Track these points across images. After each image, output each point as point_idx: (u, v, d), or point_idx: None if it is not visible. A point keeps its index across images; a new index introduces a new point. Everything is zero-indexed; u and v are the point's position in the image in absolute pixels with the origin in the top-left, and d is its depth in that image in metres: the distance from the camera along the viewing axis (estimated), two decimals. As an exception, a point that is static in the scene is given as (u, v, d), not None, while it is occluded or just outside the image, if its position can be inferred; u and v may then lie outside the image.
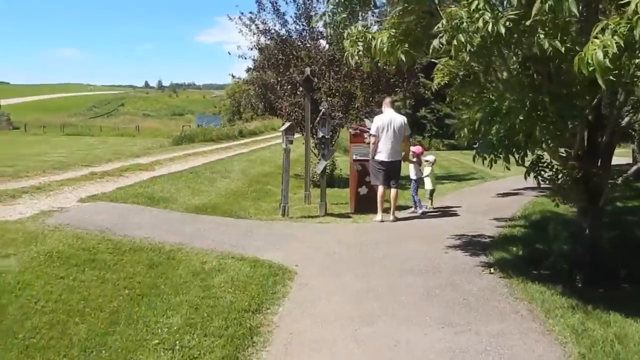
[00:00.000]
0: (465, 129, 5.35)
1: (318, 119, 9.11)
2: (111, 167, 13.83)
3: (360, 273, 5.72)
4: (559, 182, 5.64)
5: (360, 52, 5.51)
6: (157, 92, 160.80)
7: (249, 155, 20.27)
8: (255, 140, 30.29)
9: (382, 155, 8.49)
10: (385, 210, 8.76)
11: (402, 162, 8.75)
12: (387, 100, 8.73)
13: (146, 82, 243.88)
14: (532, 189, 12.30)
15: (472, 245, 6.91)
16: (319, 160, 9.55)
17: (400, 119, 8.55)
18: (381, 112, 9.71)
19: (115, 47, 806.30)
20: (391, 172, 8.61)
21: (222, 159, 17.73)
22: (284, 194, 8.84)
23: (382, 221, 8.55)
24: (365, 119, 10.05)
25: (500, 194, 11.67)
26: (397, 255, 6.40)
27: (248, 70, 13.60)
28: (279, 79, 13.16)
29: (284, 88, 13.00)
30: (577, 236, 5.65)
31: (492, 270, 5.70)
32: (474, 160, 5.49)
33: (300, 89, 12.14)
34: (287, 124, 8.85)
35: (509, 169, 5.48)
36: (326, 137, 9.18)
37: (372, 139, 8.58)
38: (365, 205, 9.41)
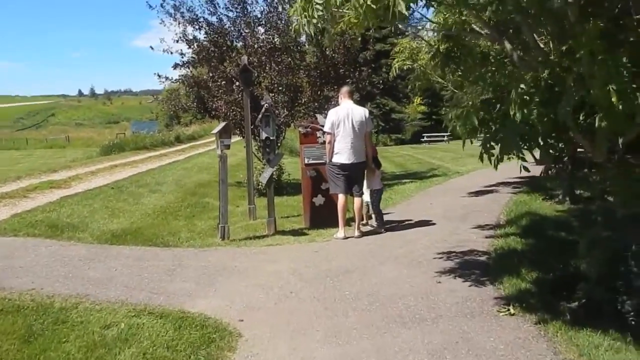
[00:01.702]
0: (473, 117, 3.77)
1: (260, 117, 7.40)
2: (17, 187, 11.61)
3: (331, 328, 4.06)
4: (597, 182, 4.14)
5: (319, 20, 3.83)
6: (90, 100, 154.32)
7: (184, 162, 18.22)
8: (193, 146, 28.06)
9: (341, 156, 6.89)
10: (347, 223, 7.19)
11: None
12: (345, 89, 7.11)
13: (79, 91, 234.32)
14: (505, 184, 11.04)
15: (467, 267, 5.38)
16: (264, 166, 7.85)
17: (360, 112, 6.96)
18: (334, 105, 8.15)
19: (47, 56, 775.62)
20: (353, 177, 7.02)
21: (154, 169, 15.66)
22: (222, 212, 7.08)
23: (345, 238, 6.96)
24: (317, 115, 8.43)
25: (472, 192, 10.29)
26: (375, 291, 4.78)
27: (175, 66, 11.69)
28: (212, 75, 11.33)
29: (219, 84, 11.18)
30: (627, 256, 4.17)
31: (511, 309, 4.16)
32: (481, 160, 3.91)
33: (237, 84, 10.37)
34: (222, 124, 7.09)
35: (528, 170, 3.97)
36: (271, 138, 7.48)
37: (328, 137, 6.96)
38: (322, 217, 7.79)
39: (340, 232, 7.02)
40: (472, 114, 3.92)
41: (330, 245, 6.67)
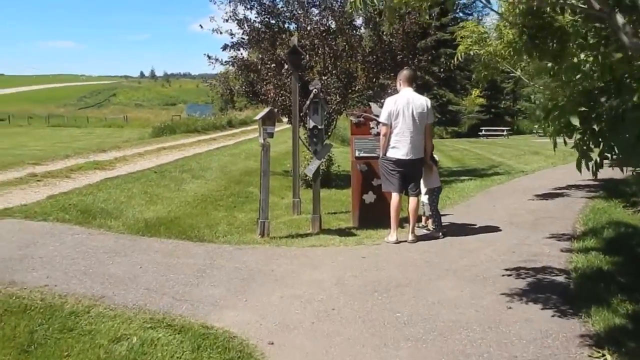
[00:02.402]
0: (571, 113, 2.95)
1: (308, 103, 6.70)
2: (63, 166, 11.40)
3: (377, 361, 3.35)
4: None
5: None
6: (150, 82, 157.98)
7: (233, 148, 17.77)
8: (244, 131, 27.70)
9: (398, 151, 6.11)
10: (400, 225, 6.44)
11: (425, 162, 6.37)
12: (405, 74, 6.30)
13: (141, 72, 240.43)
14: (576, 187, 9.97)
15: (542, 289, 4.53)
16: (311, 158, 7.17)
17: (421, 101, 6.15)
18: (390, 94, 7.37)
19: (111, 38, 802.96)
20: (410, 175, 6.24)
21: (200, 154, 15.27)
22: (263, 207, 6.44)
23: (397, 242, 6.20)
24: (371, 103, 7.66)
25: (540, 195, 9.29)
26: (433, 315, 4.02)
27: (225, 47, 11.12)
28: (262, 57, 10.71)
29: (269, 68, 10.54)
30: None
31: (607, 355, 3.31)
32: (579, 169, 3.08)
33: (287, 67, 9.70)
34: (266, 110, 6.42)
35: None
36: (319, 127, 6.77)
37: (383, 130, 6.19)
38: (372, 216, 7.07)
39: (393, 235, 6.27)
40: (570, 109, 3.09)
41: (380, 250, 5.93)
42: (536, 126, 3.41)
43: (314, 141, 6.85)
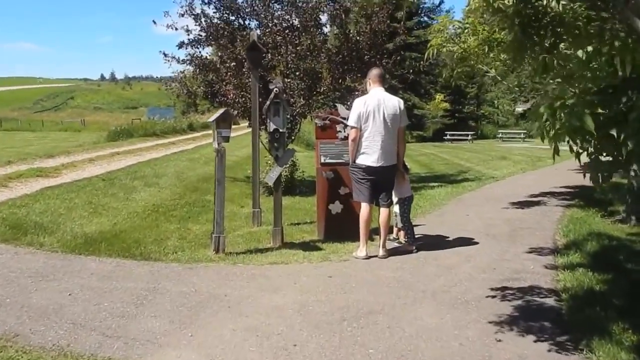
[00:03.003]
0: (584, 114, 2.39)
1: (268, 103, 6.04)
2: (1, 173, 10.44)
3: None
4: None
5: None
6: (110, 85, 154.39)
7: (192, 152, 16.94)
8: (206, 135, 26.77)
9: (368, 157, 5.53)
10: (370, 237, 5.87)
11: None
12: (375, 73, 5.71)
13: (102, 75, 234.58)
14: (551, 195, 9.58)
15: (532, 315, 3.99)
16: (273, 165, 6.52)
17: (393, 103, 5.58)
18: (357, 95, 6.85)
19: (73, 40, 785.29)
20: (381, 183, 5.66)
21: (157, 159, 14.42)
22: (217, 220, 5.74)
23: (367, 257, 5.61)
24: (338, 104, 7.05)
25: (515, 203, 8.86)
26: (412, 351, 3.42)
27: (180, 45, 10.37)
28: (221, 55, 10.00)
29: (228, 67, 9.85)
30: None
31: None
32: (593, 181, 2.53)
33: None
34: (220, 111, 5.73)
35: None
36: (281, 130, 6.13)
37: (352, 134, 5.58)
38: (339, 228, 6.45)
39: (362, 249, 5.67)
40: (581, 110, 2.53)
41: (348, 268, 5.31)
42: (536, 125, 2.90)
43: (275, 146, 6.19)
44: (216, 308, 4.16)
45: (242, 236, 6.63)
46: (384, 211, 5.71)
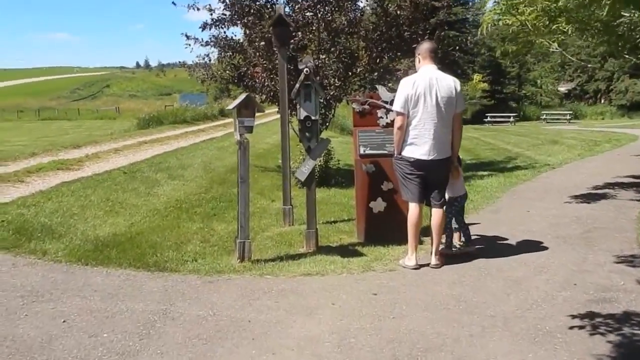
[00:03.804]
0: None
1: (298, 86, 5.18)
2: (22, 167, 9.92)
3: None
4: None
5: None
6: (144, 72, 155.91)
7: (221, 140, 16.25)
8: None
9: (417, 149, 4.64)
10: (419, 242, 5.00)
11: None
12: (425, 47, 4.78)
13: (137, 63, 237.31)
14: (619, 185, 8.49)
15: (642, 357, 3.09)
16: (303, 159, 5.69)
17: (448, 83, 4.66)
18: (396, 78, 5.92)
19: (107, 29, 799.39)
20: (433, 180, 4.78)
21: (184, 147, 13.77)
22: (242, 224, 4.95)
23: (417, 267, 4.76)
24: (379, 86, 6.15)
25: (579, 196, 7.83)
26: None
27: (204, 27, 9.57)
28: (249, 34, 9.18)
29: (256, 47, 9.03)
30: None
31: None
32: None
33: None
34: (241, 97, 4.91)
35: None
36: (313, 118, 5.27)
37: (398, 121, 4.70)
38: (382, 229, 5.61)
39: (411, 258, 4.81)
40: None
41: (396, 281, 4.46)
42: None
43: (306, 136, 5.34)
44: (237, 340, 3.38)
45: (272, 238, 5.84)
46: (436, 212, 4.82)
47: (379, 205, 5.71)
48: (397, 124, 4.67)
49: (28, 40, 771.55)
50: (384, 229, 5.60)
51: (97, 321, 3.61)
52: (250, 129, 4.87)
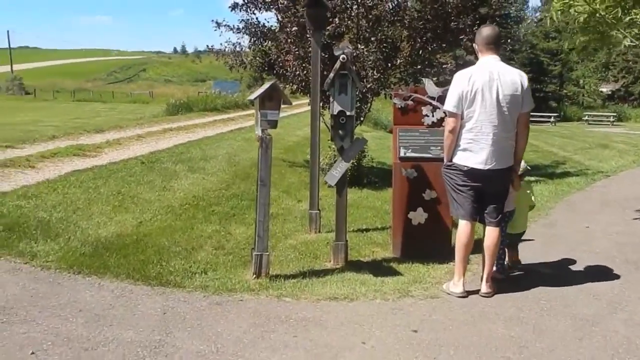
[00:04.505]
0: None
1: (332, 76, 4.42)
2: (38, 150, 9.43)
3: None
4: None
5: None
6: (180, 58, 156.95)
7: (249, 130, 15.53)
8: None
9: (473, 156, 3.85)
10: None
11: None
12: (486, 34, 3.93)
13: (174, 49, 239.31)
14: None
15: None
16: (335, 159, 4.95)
17: (513, 77, 3.84)
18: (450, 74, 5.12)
19: (148, 14, 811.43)
20: (489, 193, 3.98)
21: (210, 137, 13.16)
22: (259, 233, 4.24)
23: (464, 295, 3.99)
24: (425, 79, 5.34)
25: (647, 210, 6.92)
26: None
27: (233, 7, 8.88)
28: (282, 18, 8.46)
29: (288, 32, 8.30)
30: None
31: None
32: None
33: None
34: (265, 85, 4.18)
35: None
36: (348, 113, 4.51)
37: (451, 122, 3.91)
38: (422, 243, 4.86)
39: (457, 283, 4.04)
40: None
41: (440, 314, 3.70)
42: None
43: (339, 134, 4.58)
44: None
45: (295, 248, 5.13)
46: (492, 232, 4.03)
47: (419, 216, 4.95)
48: (449, 126, 3.88)
49: (69, 22, 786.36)
50: (424, 244, 4.84)
51: (73, 355, 2.95)
52: (274, 124, 4.14)
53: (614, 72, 46.30)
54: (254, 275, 4.25)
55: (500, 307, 3.85)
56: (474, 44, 4.04)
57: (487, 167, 3.82)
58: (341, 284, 4.20)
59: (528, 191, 4.65)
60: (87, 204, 6.07)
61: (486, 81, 3.78)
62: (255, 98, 4.06)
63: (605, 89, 46.56)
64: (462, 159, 3.87)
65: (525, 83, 3.86)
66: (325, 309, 3.76)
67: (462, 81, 3.84)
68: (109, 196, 6.48)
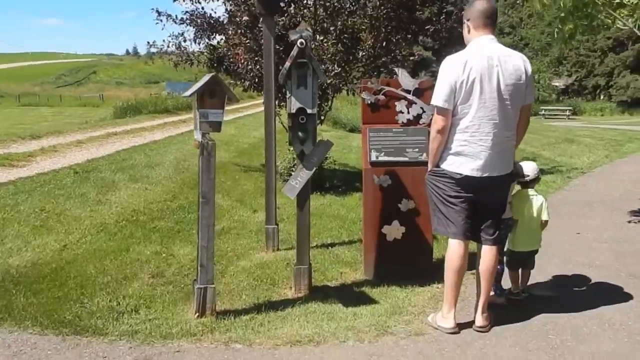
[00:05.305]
0: None
1: (288, 66, 3.61)
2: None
3: None
4: None
5: None
6: (132, 59, 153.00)
7: (202, 133, 14.69)
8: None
9: (468, 162, 3.11)
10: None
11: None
12: (479, 8, 3.16)
13: (127, 50, 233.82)
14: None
15: None
16: (294, 166, 4.15)
17: (515, 62, 3.11)
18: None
19: (99, 16, 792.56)
20: (485, 205, 3.24)
21: (157, 141, 12.14)
22: (203, 262, 3.40)
23: (455, 331, 3.25)
24: (398, 69, 4.58)
25: (634, 212, 6.36)
26: None
27: (176, -5, 7.96)
28: (230, 8, 7.62)
29: (238, 22, 7.45)
30: None
31: None
32: None
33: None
34: (204, 78, 3.31)
35: None
36: (309, 111, 3.70)
37: (439, 121, 3.13)
38: (398, 262, 4.11)
39: (447, 316, 3.29)
40: None
41: (428, 358, 2.95)
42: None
43: (299, 136, 3.77)
44: None
45: (249, 272, 4.31)
46: (488, 252, 3.30)
47: (394, 230, 4.20)
48: (438, 125, 3.11)
49: (20, 25, 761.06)
50: (402, 263, 4.11)
51: None
52: (217, 126, 3.31)
53: (567, 66, 47.09)
54: (197, 314, 3.41)
55: (501, 345, 3.13)
56: (463, 22, 3.28)
57: (485, 175, 3.08)
58: (305, 321, 3.41)
59: (540, 202, 3.88)
60: (1, 225, 5.08)
61: (485, 68, 3.04)
62: (192, 94, 3.21)
63: (558, 83, 47.30)
64: (454, 165, 3.12)
65: (529, 69, 3.15)
66: (286, 357, 2.96)
67: (455, 69, 3.07)
68: (30, 214, 5.50)
